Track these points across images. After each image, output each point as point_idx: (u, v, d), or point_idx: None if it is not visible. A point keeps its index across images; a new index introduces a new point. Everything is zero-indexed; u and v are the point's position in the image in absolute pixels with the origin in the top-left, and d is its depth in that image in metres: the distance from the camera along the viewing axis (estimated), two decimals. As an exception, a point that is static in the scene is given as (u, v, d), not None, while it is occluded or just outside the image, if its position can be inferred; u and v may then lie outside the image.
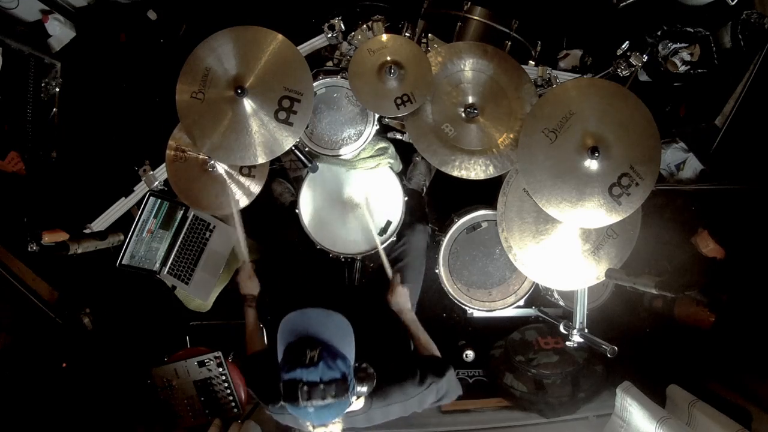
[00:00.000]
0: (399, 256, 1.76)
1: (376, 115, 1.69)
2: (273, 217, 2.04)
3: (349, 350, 1.04)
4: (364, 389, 1.03)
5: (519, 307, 1.87)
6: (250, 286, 1.61)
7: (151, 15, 2.38)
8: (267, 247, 2.06)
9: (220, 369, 1.87)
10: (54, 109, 2.26)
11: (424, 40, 1.83)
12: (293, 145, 1.50)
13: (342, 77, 1.68)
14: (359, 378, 1.03)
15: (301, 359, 0.96)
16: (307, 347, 0.98)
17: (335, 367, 0.97)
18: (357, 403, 1.13)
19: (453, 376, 1.29)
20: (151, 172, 1.82)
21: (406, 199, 1.78)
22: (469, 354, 2.15)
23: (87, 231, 1.85)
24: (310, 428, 1.05)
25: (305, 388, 0.94)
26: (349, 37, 1.79)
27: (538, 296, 1.96)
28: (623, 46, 1.68)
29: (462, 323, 2.26)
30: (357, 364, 1.06)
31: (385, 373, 1.15)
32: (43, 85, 2.22)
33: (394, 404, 1.19)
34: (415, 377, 1.21)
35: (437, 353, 1.41)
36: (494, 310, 1.85)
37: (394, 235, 1.77)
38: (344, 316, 1.10)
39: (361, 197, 1.79)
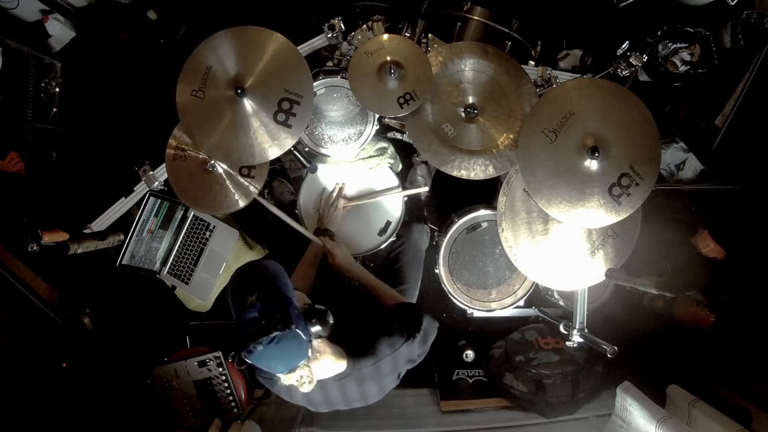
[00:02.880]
0: (397, 255, 1.76)
1: (376, 115, 1.69)
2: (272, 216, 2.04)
3: (285, 288, 1.05)
4: (317, 328, 1.04)
5: (519, 307, 1.87)
6: (336, 219, 1.68)
7: (151, 15, 2.38)
8: (273, 242, 2.06)
9: (220, 369, 1.87)
10: (54, 109, 2.26)
11: (424, 40, 1.83)
12: (293, 146, 1.50)
13: (342, 77, 1.68)
14: (309, 316, 1.04)
15: (243, 306, 0.99)
16: (246, 295, 1.00)
17: (273, 303, 0.99)
18: (338, 365, 1.13)
19: (428, 318, 1.30)
20: (151, 172, 1.82)
21: (405, 199, 1.78)
22: (469, 354, 2.15)
23: (87, 231, 1.85)
24: (281, 379, 1.06)
25: (250, 328, 0.96)
26: (349, 37, 1.79)
27: (538, 296, 1.96)
28: (623, 46, 1.68)
29: (462, 323, 2.26)
30: (310, 305, 1.08)
31: (368, 332, 1.17)
32: (43, 85, 2.22)
33: (384, 359, 1.18)
34: (402, 332, 1.21)
35: (403, 299, 1.43)
36: (494, 310, 1.85)
37: (394, 234, 1.77)
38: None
39: (360, 197, 1.79)
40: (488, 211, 1.80)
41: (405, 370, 1.28)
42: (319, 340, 1.07)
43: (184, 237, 2.05)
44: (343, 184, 1.77)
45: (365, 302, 1.47)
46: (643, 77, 2.20)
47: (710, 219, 1.84)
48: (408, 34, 1.92)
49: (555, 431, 1.96)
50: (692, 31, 2.08)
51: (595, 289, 1.85)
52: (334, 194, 1.74)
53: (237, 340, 1.00)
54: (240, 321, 0.98)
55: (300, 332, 0.99)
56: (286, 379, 1.05)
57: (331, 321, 1.07)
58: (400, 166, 1.96)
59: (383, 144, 1.84)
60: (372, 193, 1.78)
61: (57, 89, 2.26)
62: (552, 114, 1.41)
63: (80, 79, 2.32)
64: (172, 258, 2.05)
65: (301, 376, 1.04)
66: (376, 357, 1.16)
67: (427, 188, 1.88)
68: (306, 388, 1.06)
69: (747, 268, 1.74)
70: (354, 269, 1.51)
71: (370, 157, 1.78)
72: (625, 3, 2.17)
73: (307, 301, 1.12)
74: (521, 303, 1.85)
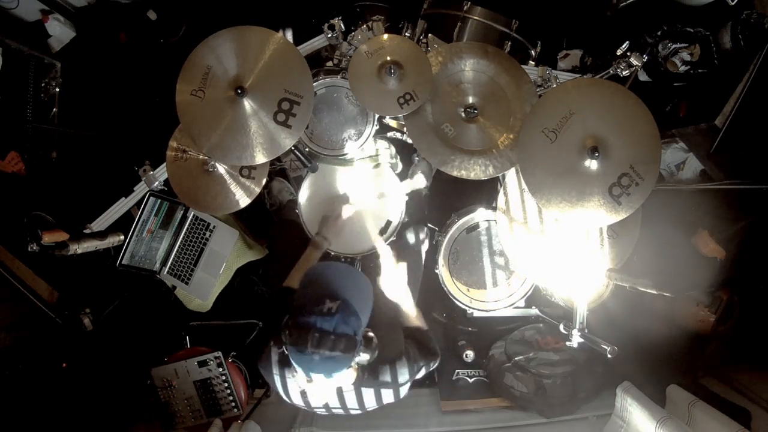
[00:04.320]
0: (397, 257, 1.76)
1: (376, 115, 1.69)
2: (272, 216, 2.05)
3: (365, 312, 1.04)
4: (366, 356, 1.04)
5: (519, 307, 1.87)
6: (334, 229, 1.61)
7: (151, 15, 2.38)
8: (273, 241, 2.05)
9: (220, 369, 1.87)
10: (54, 109, 2.26)
11: (424, 41, 1.83)
12: (293, 146, 1.50)
13: (342, 77, 1.68)
14: (365, 344, 1.04)
15: (319, 307, 0.98)
16: (327, 297, 0.99)
17: (349, 324, 0.98)
18: (349, 375, 1.13)
19: (436, 363, 1.32)
20: (151, 172, 1.82)
21: (406, 199, 1.78)
22: (469, 354, 2.15)
23: (87, 231, 1.85)
24: (305, 382, 1.06)
25: (316, 335, 0.95)
26: (349, 37, 1.79)
27: (538, 296, 1.96)
28: (623, 46, 1.68)
29: (462, 323, 2.26)
30: (365, 331, 1.07)
31: (381, 353, 1.15)
32: (43, 85, 2.22)
33: (386, 386, 1.18)
34: (410, 359, 1.21)
35: (423, 323, 1.41)
36: (494, 310, 1.84)
37: (394, 235, 1.77)
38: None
39: (360, 197, 1.79)
40: (488, 211, 1.80)
41: (406, 389, 1.26)
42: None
43: (184, 237, 2.05)
44: (349, 198, 1.74)
45: (388, 312, 1.46)
46: (643, 77, 2.20)
47: (710, 219, 1.84)
48: (408, 34, 1.92)
49: (555, 431, 1.96)
50: (692, 31, 2.08)
51: (595, 289, 1.85)
52: (338, 207, 1.68)
53: (292, 331, 0.98)
54: (306, 317, 0.97)
55: (354, 357, 1.00)
56: (308, 381, 1.05)
57: (375, 356, 1.07)
58: (400, 166, 1.96)
59: (383, 144, 1.84)
60: (372, 199, 1.77)
61: (57, 89, 2.26)
62: (552, 114, 1.42)
63: (80, 79, 2.33)
64: (172, 258, 2.05)
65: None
66: (380, 376, 1.17)
67: (427, 183, 1.87)
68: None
69: (747, 268, 1.74)
70: (401, 290, 1.44)
71: (371, 156, 1.78)
72: (625, 3, 2.17)
73: (367, 331, 1.09)
74: (521, 303, 1.85)
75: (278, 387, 1.19)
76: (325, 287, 1.03)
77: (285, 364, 1.14)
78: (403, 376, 1.19)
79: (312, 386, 1.08)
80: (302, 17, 2.15)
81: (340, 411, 1.23)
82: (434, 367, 1.34)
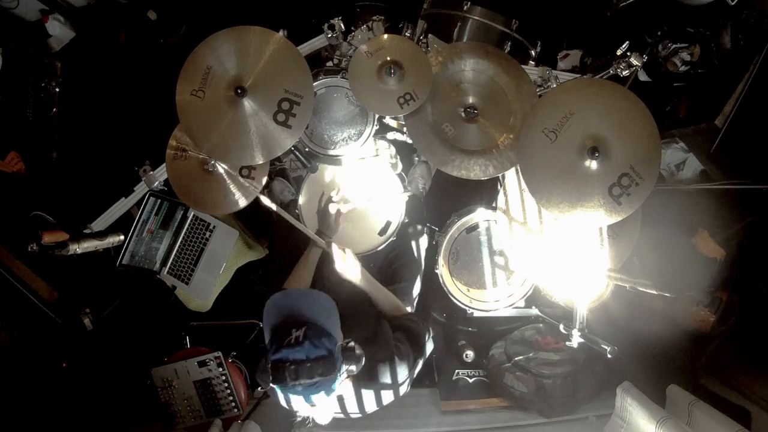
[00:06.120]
0: (397, 255, 1.76)
1: (376, 115, 1.69)
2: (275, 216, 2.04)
3: (334, 328, 1.04)
4: (352, 368, 1.04)
5: (519, 307, 1.87)
6: (332, 224, 1.58)
7: (151, 15, 2.39)
8: (274, 241, 2.05)
9: (220, 369, 1.87)
10: (54, 109, 2.26)
11: (424, 41, 1.83)
12: (293, 146, 1.50)
13: (342, 77, 1.68)
14: (346, 357, 1.03)
15: (286, 339, 0.98)
16: (292, 327, 0.99)
17: (321, 345, 0.98)
18: (346, 387, 1.13)
19: (430, 338, 1.31)
20: (151, 172, 1.83)
21: (406, 199, 1.77)
22: (469, 354, 2.15)
23: (87, 231, 1.85)
24: (309, 408, 1.05)
25: (292, 367, 0.95)
26: (349, 37, 1.79)
27: (538, 296, 1.96)
28: (623, 46, 1.68)
29: (462, 323, 2.26)
30: (344, 343, 1.06)
31: (372, 354, 1.16)
32: (43, 85, 2.22)
33: (385, 387, 1.18)
34: (402, 357, 1.21)
35: (405, 309, 1.42)
36: (494, 310, 1.84)
37: (394, 235, 1.77)
38: (345, 314, 1.10)
39: (360, 197, 1.79)
40: (488, 211, 1.80)
41: (405, 389, 1.26)
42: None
43: (184, 237, 2.05)
44: (337, 190, 1.68)
45: (365, 307, 1.46)
46: (643, 77, 2.20)
47: (710, 219, 1.84)
48: (408, 34, 1.91)
49: (555, 431, 1.96)
50: (692, 31, 2.08)
51: (595, 289, 1.85)
52: (324, 200, 1.66)
53: (266, 367, 0.99)
54: (278, 354, 0.97)
55: (339, 374, 1.00)
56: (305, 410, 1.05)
57: (363, 362, 1.07)
58: (401, 166, 1.95)
59: (383, 144, 1.84)
60: (368, 196, 1.76)
61: (57, 89, 2.26)
62: (552, 114, 1.41)
63: (80, 79, 2.32)
64: (172, 258, 2.05)
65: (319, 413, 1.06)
66: (377, 379, 1.17)
67: (414, 191, 1.86)
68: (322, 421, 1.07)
69: (747, 268, 1.74)
70: (359, 277, 1.45)
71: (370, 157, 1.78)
72: (625, 3, 2.17)
73: (344, 339, 1.09)
74: (521, 303, 1.85)
75: (279, 396, 1.19)
76: (286, 317, 1.02)
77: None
78: (402, 374, 1.19)
79: (316, 408, 1.06)
80: (302, 17, 2.15)
81: (341, 415, 1.23)
82: (430, 348, 1.32)
